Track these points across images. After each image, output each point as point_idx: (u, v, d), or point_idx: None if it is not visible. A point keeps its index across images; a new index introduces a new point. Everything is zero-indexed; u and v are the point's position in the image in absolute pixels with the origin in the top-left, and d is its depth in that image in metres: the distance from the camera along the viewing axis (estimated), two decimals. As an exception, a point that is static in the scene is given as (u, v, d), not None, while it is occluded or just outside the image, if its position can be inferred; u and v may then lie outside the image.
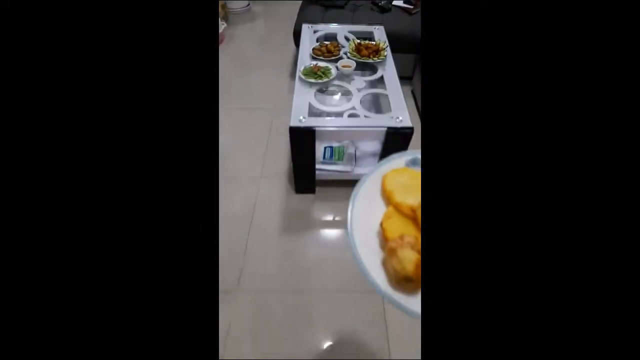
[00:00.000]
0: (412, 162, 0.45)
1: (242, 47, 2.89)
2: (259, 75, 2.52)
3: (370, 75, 1.65)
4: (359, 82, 1.58)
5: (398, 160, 0.46)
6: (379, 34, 1.95)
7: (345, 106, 1.45)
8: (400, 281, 0.34)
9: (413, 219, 0.39)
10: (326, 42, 1.78)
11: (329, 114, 1.43)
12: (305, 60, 1.70)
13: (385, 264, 0.37)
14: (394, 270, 0.34)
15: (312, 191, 1.69)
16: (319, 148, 1.50)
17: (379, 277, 0.36)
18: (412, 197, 0.40)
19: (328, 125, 1.35)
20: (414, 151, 0.47)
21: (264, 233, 1.54)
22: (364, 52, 1.68)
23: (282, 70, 2.54)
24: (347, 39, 1.90)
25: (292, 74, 2.46)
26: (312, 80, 1.54)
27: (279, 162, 1.84)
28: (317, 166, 1.57)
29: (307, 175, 1.59)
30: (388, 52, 1.72)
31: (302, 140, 1.37)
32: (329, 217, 1.62)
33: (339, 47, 1.75)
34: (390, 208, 0.41)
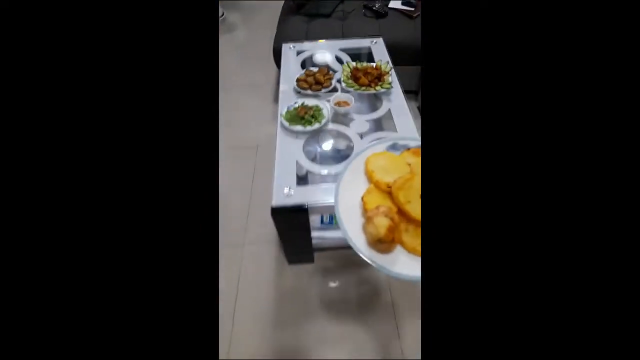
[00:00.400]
0: (392, 147, 0.52)
1: (220, 67, 2.50)
2: (239, 100, 2.14)
3: (373, 110, 1.28)
4: (361, 123, 1.21)
5: (379, 146, 0.53)
6: (378, 49, 1.57)
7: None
8: (375, 242, 0.42)
9: (389, 194, 0.46)
10: (313, 69, 1.41)
11: (324, 178, 1.06)
12: (287, 96, 1.33)
13: (364, 229, 0.44)
14: (370, 233, 0.42)
15: (310, 260, 1.33)
16: (314, 217, 1.14)
17: (359, 240, 0.44)
18: (389, 176, 0.47)
19: (325, 201, 0.98)
20: (394, 136, 0.59)
21: (251, 324, 1.19)
22: (363, 79, 1.30)
23: (266, 92, 2.16)
24: (339, 60, 1.52)
25: (277, 97, 2.08)
26: (299, 128, 1.16)
27: (266, 221, 1.47)
28: (314, 234, 1.21)
29: (301, 246, 1.23)
30: (393, 77, 1.35)
31: (290, 221, 1.01)
32: (335, 295, 1.27)
33: (329, 74, 1.37)
34: (371, 185, 0.49)
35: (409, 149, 0.52)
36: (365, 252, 0.42)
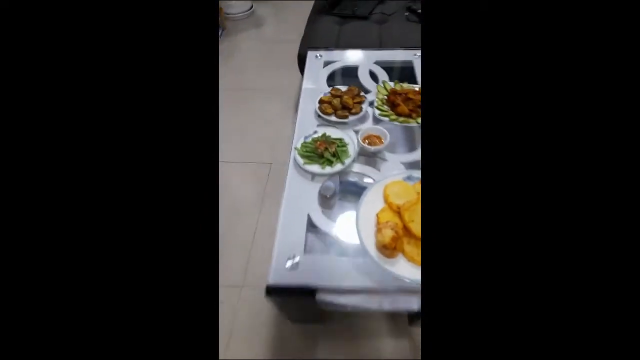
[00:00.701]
0: (407, 178, 0.63)
1: (240, 66, 2.29)
2: (256, 106, 1.93)
3: (411, 148, 1.01)
4: (394, 165, 0.95)
5: (398, 176, 0.64)
6: (423, 65, 1.29)
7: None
8: (381, 247, 0.53)
9: (398, 214, 0.56)
10: (341, 88, 1.15)
11: (344, 247, 0.80)
12: (306, 121, 1.09)
13: (375, 236, 0.55)
14: (378, 240, 0.53)
15: (318, 321, 1.11)
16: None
17: (369, 245, 0.54)
18: (400, 200, 0.58)
19: (341, 283, 0.72)
20: (412, 170, 0.67)
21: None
22: (402, 107, 1.04)
23: (289, 99, 1.93)
24: (373, 76, 1.26)
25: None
26: (316, 169, 0.92)
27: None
28: (320, 297, 0.97)
29: (306, 307, 0.99)
30: (440, 106, 1.07)
31: (291, 303, 0.78)
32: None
33: (361, 97, 1.12)
34: (385, 205, 0.60)
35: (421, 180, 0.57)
36: (372, 253, 0.51)
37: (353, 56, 1.37)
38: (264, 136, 1.74)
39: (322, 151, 0.94)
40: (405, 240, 0.54)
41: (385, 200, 0.59)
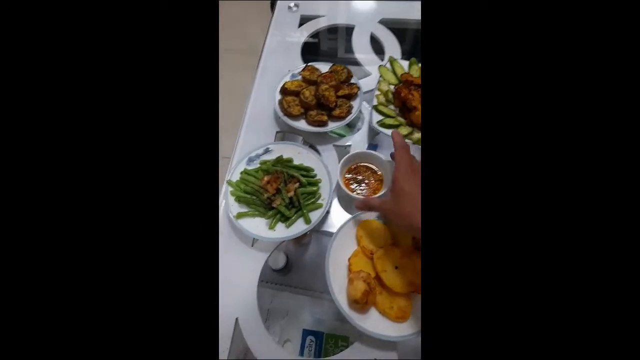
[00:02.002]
0: (379, 217, 0.51)
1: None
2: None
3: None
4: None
5: (370, 215, 0.52)
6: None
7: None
8: (352, 302, 0.46)
9: (371, 259, 0.49)
10: (320, 67, 0.69)
11: None
12: (257, 128, 0.65)
13: (347, 288, 0.48)
14: (349, 294, 0.46)
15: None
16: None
17: (339, 295, 0.47)
18: (373, 244, 0.50)
19: None
20: None
21: None
22: (419, 114, 0.59)
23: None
24: (376, 45, 0.79)
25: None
26: (260, 230, 0.52)
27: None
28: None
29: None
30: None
31: None
32: None
33: (352, 85, 0.67)
34: (358, 248, 0.51)
35: None
36: (345, 309, 0.46)
37: (346, 9, 0.88)
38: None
39: (271, 194, 0.52)
40: (377, 290, 0.48)
41: (358, 242, 0.50)
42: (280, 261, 0.54)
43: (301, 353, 0.51)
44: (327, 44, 0.87)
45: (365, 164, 0.57)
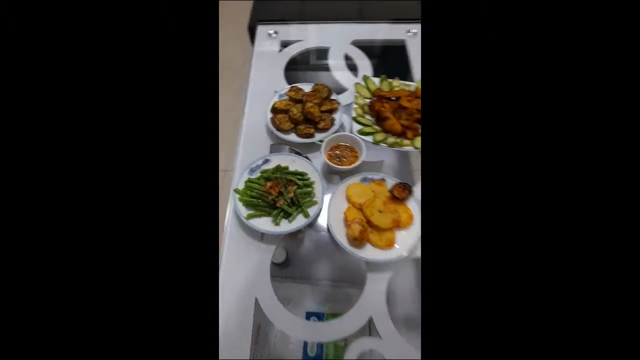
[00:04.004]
0: (363, 180, 0.67)
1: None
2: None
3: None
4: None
5: (354, 178, 0.68)
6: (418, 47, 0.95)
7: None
8: (352, 240, 0.59)
9: (360, 210, 0.64)
10: (303, 87, 0.80)
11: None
12: (254, 143, 0.75)
13: (346, 232, 0.61)
14: (348, 234, 0.60)
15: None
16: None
17: (343, 239, 0.60)
18: (360, 199, 0.65)
19: None
20: (364, 173, 0.68)
21: None
22: (392, 121, 0.71)
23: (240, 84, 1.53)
24: (350, 64, 0.91)
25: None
26: (267, 226, 0.61)
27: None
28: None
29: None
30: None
31: None
32: None
33: (332, 101, 0.78)
34: (349, 204, 0.66)
35: (373, 181, 0.67)
36: (346, 246, 0.59)
37: (321, 33, 1.00)
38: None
39: (273, 197, 0.61)
40: (369, 230, 0.61)
41: (349, 200, 0.66)
42: (281, 256, 0.63)
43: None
44: (301, 55, 0.98)
45: (344, 144, 0.72)
